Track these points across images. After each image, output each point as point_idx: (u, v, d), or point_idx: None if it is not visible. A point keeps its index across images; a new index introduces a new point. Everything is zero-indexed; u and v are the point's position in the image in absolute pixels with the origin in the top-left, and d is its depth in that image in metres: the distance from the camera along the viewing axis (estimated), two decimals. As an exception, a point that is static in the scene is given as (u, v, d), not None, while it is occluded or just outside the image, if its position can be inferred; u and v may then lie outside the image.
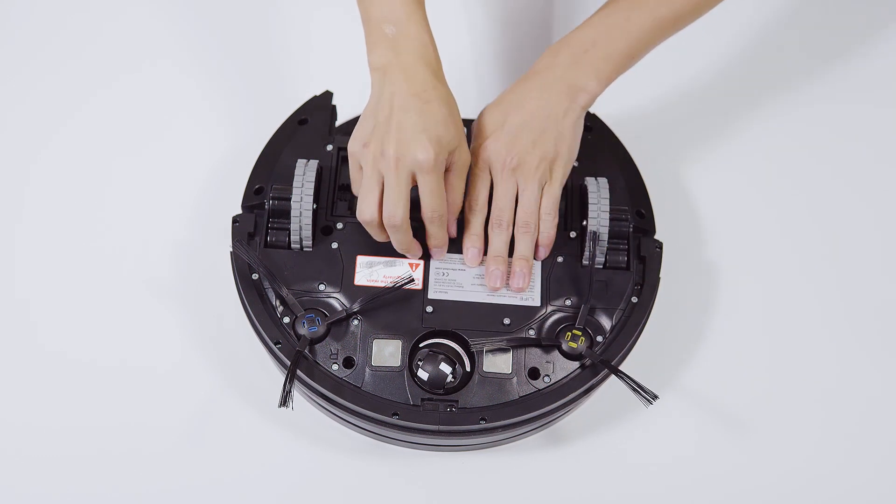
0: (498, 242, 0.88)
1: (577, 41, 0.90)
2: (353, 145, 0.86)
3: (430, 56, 0.86)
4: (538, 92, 0.89)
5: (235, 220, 0.90)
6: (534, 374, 0.86)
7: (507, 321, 0.88)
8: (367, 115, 0.86)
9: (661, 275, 0.90)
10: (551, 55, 0.90)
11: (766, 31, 1.13)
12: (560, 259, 0.90)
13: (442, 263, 0.90)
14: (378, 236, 0.87)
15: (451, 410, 0.85)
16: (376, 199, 0.85)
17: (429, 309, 0.88)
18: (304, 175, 0.89)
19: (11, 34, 1.09)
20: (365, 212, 0.85)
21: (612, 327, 0.88)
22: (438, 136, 0.84)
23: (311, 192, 0.89)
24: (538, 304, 0.89)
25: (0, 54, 1.08)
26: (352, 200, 0.94)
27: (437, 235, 0.88)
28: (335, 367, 0.86)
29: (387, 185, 0.84)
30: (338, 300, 0.88)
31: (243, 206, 0.92)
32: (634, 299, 0.89)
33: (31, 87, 1.06)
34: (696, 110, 1.07)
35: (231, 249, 0.89)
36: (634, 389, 0.84)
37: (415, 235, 0.88)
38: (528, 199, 0.88)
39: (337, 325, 0.87)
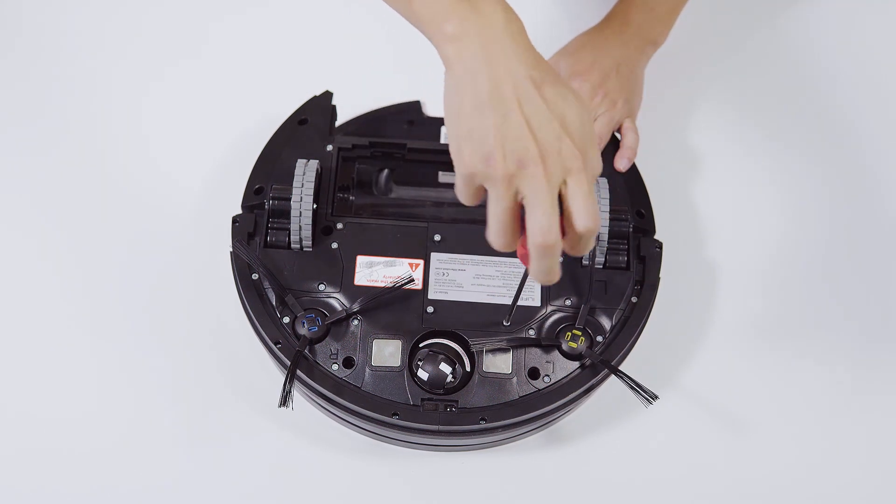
0: None
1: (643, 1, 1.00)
2: (471, 163, 0.67)
3: (513, 13, 0.69)
4: (618, 43, 0.99)
5: (235, 220, 0.90)
6: (534, 374, 0.86)
7: (506, 321, 0.88)
8: (470, 114, 0.67)
9: (661, 275, 0.90)
10: (623, 13, 1.00)
11: (767, 32, 1.13)
12: (560, 259, 0.90)
13: (442, 263, 0.90)
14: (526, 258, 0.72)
15: (451, 410, 0.85)
16: (515, 224, 0.69)
17: (429, 309, 0.88)
18: (304, 175, 0.89)
19: (11, 41, 1.09)
20: (505, 241, 0.70)
21: (612, 327, 0.88)
22: (579, 125, 0.68)
23: (311, 192, 0.89)
24: (538, 304, 0.89)
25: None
26: (354, 200, 0.94)
27: (587, 248, 0.71)
28: (335, 367, 0.86)
29: (536, 203, 0.67)
30: (338, 300, 0.88)
31: (243, 206, 0.92)
32: (634, 299, 0.89)
33: (36, 88, 1.06)
34: (696, 110, 1.07)
35: (231, 249, 0.89)
36: (634, 389, 0.84)
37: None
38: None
39: (337, 325, 0.87)
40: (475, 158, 0.67)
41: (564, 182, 0.67)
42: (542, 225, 0.67)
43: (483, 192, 0.70)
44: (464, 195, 0.70)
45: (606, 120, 0.97)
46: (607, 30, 1.01)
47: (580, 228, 0.68)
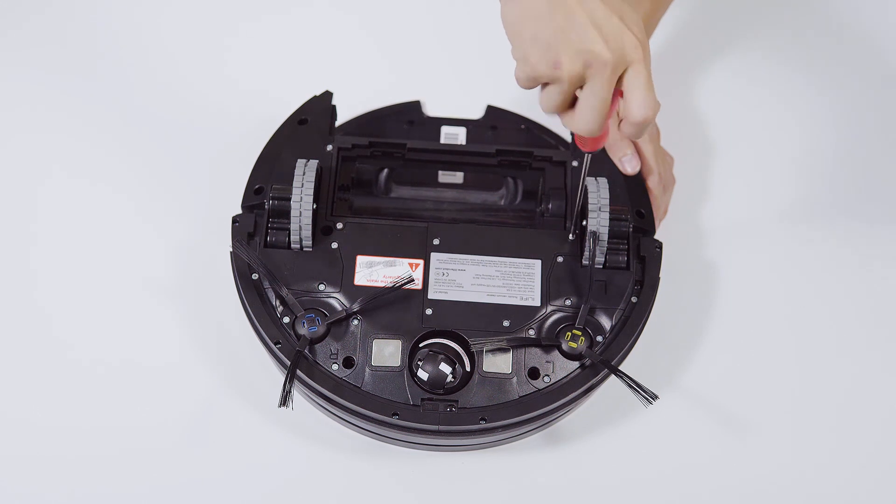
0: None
1: None
2: (539, 67, 0.72)
3: None
4: None
5: (235, 220, 0.90)
6: (534, 374, 0.86)
7: (506, 322, 0.88)
8: (533, 21, 0.71)
9: (660, 275, 0.90)
10: None
11: (766, 31, 1.13)
12: (560, 259, 0.90)
13: (442, 264, 0.90)
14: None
15: (451, 410, 0.85)
16: (565, 104, 0.74)
17: (428, 310, 0.88)
18: (304, 175, 0.89)
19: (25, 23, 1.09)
20: (550, 110, 0.75)
21: (612, 327, 0.88)
22: (635, 20, 0.73)
23: (311, 192, 0.89)
24: (538, 304, 0.89)
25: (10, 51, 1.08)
26: (352, 200, 0.94)
27: (641, 134, 0.76)
28: (335, 367, 0.86)
29: (592, 98, 0.72)
30: (338, 300, 0.88)
31: (243, 206, 0.92)
32: (634, 299, 0.89)
33: (41, 91, 1.06)
34: (695, 110, 1.07)
35: (231, 249, 0.89)
36: (634, 389, 0.84)
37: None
38: None
39: (337, 325, 0.87)
40: (542, 64, 0.71)
41: (624, 72, 0.72)
42: (589, 124, 0.73)
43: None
44: (523, 85, 0.75)
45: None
46: None
47: (637, 118, 0.73)
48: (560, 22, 0.70)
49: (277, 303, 0.88)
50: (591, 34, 0.70)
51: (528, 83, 0.74)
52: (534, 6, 0.71)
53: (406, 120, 1.00)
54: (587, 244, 0.89)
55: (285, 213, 0.89)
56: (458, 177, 0.97)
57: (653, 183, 0.95)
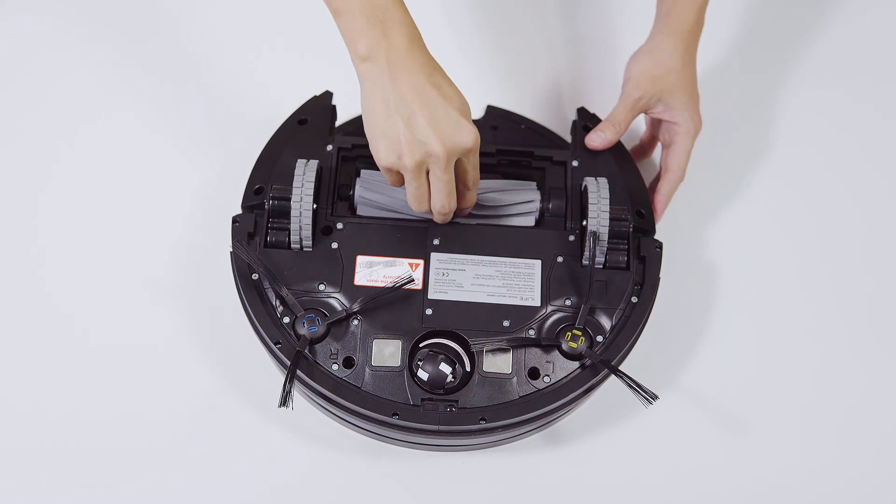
0: None
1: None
2: (387, 159, 0.83)
3: (416, 33, 0.83)
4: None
5: (235, 220, 0.90)
6: (534, 374, 0.86)
7: (506, 322, 0.88)
8: (382, 119, 0.82)
9: (661, 275, 0.90)
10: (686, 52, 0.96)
11: (765, 28, 1.13)
12: (560, 259, 0.90)
13: (442, 264, 0.90)
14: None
15: (451, 410, 0.85)
16: (427, 197, 0.85)
17: (428, 310, 0.88)
18: (304, 175, 0.89)
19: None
20: (421, 208, 0.87)
21: (612, 327, 0.88)
22: (467, 113, 0.84)
23: (311, 192, 0.89)
24: (538, 304, 0.89)
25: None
26: (350, 202, 0.94)
27: (472, 199, 0.90)
28: (335, 367, 0.86)
29: (436, 181, 0.84)
30: (338, 300, 0.88)
31: (243, 206, 0.92)
32: (634, 299, 0.89)
33: (46, 91, 1.06)
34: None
35: (231, 249, 0.89)
36: (634, 389, 0.84)
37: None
38: None
39: (337, 325, 0.87)
40: (390, 155, 0.82)
41: (460, 158, 0.84)
42: (441, 203, 0.85)
43: (402, 177, 0.85)
44: (388, 181, 0.86)
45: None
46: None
47: (470, 189, 0.87)
48: (403, 121, 0.81)
49: (277, 303, 0.88)
50: (428, 133, 0.81)
51: (386, 174, 0.85)
52: (384, 107, 0.81)
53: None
54: (587, 244, 0.89)
55: (285, 213, 0.89)
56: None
57: (668, 185, 0.95)
